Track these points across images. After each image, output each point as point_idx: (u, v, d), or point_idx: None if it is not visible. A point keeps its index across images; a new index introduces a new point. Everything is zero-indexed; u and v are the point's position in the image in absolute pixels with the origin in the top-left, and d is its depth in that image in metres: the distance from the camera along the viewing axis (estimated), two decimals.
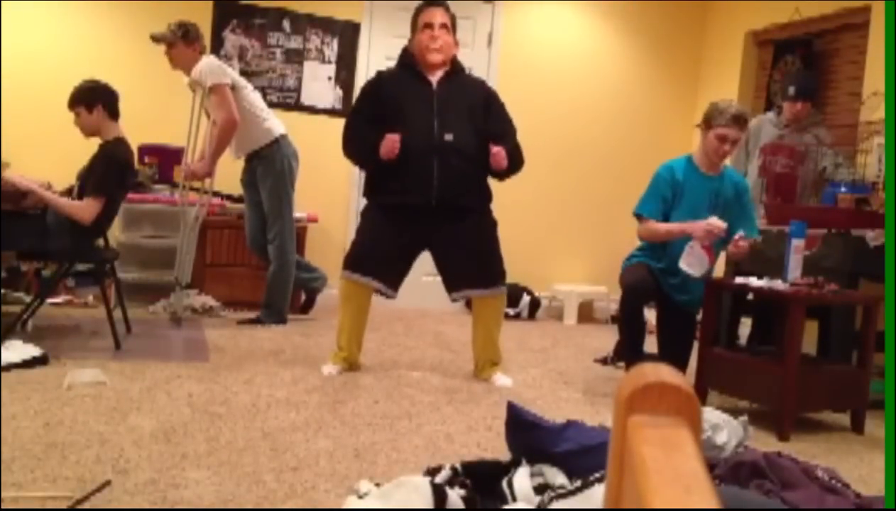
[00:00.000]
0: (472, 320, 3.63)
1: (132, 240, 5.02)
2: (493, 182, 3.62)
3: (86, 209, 3.65)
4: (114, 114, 3.83)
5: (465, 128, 3.42)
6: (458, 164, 3.41)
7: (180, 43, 4.36)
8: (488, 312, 3.58)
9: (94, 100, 3.76)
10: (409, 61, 3.54)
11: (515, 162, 3.53)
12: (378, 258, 3.48)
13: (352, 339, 3.54)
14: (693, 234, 3.40)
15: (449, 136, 3.40)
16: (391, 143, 3.33)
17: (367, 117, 3.48)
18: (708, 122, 3.52)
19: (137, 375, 3.17)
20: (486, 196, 3.59)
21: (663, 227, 3.55)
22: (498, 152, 3.41)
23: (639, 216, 3.61)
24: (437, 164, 3.39)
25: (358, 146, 3.50)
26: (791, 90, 4.40)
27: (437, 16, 3.49)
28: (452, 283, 3.56)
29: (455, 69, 3.56)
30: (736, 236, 3.40)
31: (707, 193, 3.57)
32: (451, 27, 3.55)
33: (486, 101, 3.54)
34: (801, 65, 5.33)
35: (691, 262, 3.40)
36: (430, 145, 3.38)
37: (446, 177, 3.40)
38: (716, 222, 3.37)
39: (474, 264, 3.51)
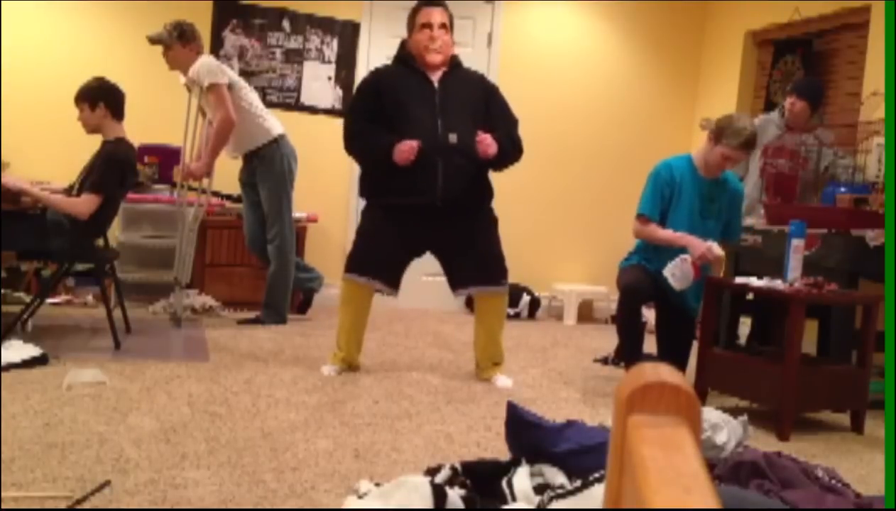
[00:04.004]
0: (475, 319, 3.62)
1: (132, 240, 5.02)
2: (493, 180, 3.61)
3: (82, 204, 3.64)
4: (118, 114, 3.83)
5: (467, 127, 3.40)
6: (462, 164, 3.40)
7: (177, 44, 4.35)
8: (491, 312, 3.57)
9: (98, 98, 3.76)
10: (407, 57, 3.52)
11: (507, 152, 3.48)
12: (380, 259, 3.47)
13: (351, 340, 3.54)
14: (692, 250, 3.39)
15: (453, 137, 3.39)
16: (409, 150, 3.31)
17: (369, 114, 3.46)
18: (718, 137, 3.45)
19: (137, 375, 3.17)
20: (489, 193, 3.58)
21: (664, 234, 3.52)
22: (483, 139, 3.37)
23: (644, 217, 3.59)
24: (441, 164, 3.38)
25: (366, 146, 3.46)
26: (790, 87, 4.46)
27: (436, 15, 3.47)
28: (456, 280, 3.55)
29: (453, 65, 3.54)
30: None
31: (704, 196, 3.57)
32: (450, 26, 3.54)
33: (486, 96, 3.53)
34: (801, 65, 5.34)
35: (676, 275, 3.39)
36: (434, 146, 3.36)
37: (451, 177, 3.39)
38: (716, 249, 3.36)
39: (477, 262, 3.50)
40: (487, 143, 3.37)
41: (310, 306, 5.07)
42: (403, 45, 3.57)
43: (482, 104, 3.50)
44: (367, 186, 3.56)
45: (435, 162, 3.37)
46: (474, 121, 3.44)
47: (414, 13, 3.53)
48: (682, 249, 3.44)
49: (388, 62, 3.65)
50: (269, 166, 4.54)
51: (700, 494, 0.47)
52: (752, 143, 3.47)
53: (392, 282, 3.52)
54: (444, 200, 3.40)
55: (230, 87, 4.36)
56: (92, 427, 2.46)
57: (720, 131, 3.45)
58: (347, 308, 3.53)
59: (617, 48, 6.29)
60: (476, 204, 3.52)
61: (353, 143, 3.50)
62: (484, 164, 3.47)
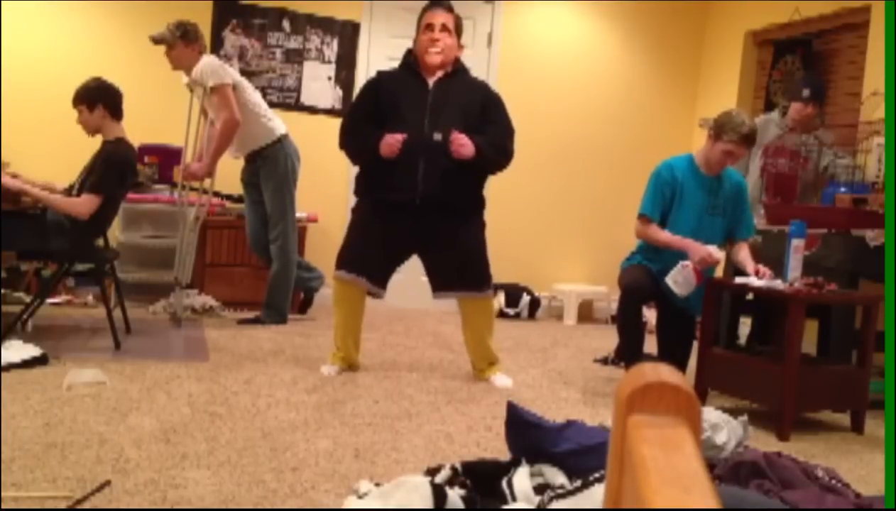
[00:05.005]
0: (462, 324, 3.62)
1: (132, 240, 5.02)
2: (491, 184, 3.61)
3: (82, 204, 3.64)
4: (116, 114, 3.83)
5: (456, 128, 3.37)
6: (445, 164, 3.37)
7: (179, 44, 4.35)
8: (476, 316, 3.56)
9: (96, 99, 3.76)
10: (411, 61, 3.53)
11: (488, 156, 3.41)
12: (365, 256, 3.47)
13: (348, 339, 3.54)
14: (691, 255, 3.39)
15: (438, 136, 3.37)
16: (393, 142, 3.32)
17: (366, 114, 3.47)
18: (718, 133, 3.45)
19: (137, 375, 3.17)
20: (476, 199, 3.54)
21: (664, 236, 3.51)
22: (457, 138, 3.33)
23: (645, 218, 3.59)
24: (423, 162, 3.37)
25: (358, 142, 3.47)
26: (805, 92, 4.40)
27: (439, 17, 3.48)
28: (436, 283, 3.56)
29: (456, 70, 3.54)
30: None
31: (706, 195, 3.56)
32: (456, 29, 3.53)
33: (483, 103, 3.49)
34: (801, 65, 5.34)
35: (678, 281, 3.39)
36: (418, 144, 3.36)
37: (431, 175, 3.37)
38: (716, 253, 3.36)
39: (459, 266, 3.49)
40: (461, 142, 3.33)
41: (310, 306, 5.07)
42: (410, 50, 3.59)
43: (478, 110, 3.46)
44: (358, 183, 3.57)
45: (417, 160, 3.37)
46: (466, 125, 3.40)
47: (420, 15, 3.56)
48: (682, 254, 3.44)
49: (389, 62, 3.66)
50: (272, 166, 4.54)
51: (700, 494, 0.47)
52: (753, 137, 3.47)
53: (377, 281, 3.51)
54: (424, 198, 3.38)
55: (234, 87, 4.36)
56: (92, 427, 2.46)
57: (720, 128, 3.45)
58: (340, 307, 3.54)
59: (617, 48, 6.29)
60: (460, 208, 3.47)
61: (346, 140, 3.52)
62: (473, 170, 3.43)
